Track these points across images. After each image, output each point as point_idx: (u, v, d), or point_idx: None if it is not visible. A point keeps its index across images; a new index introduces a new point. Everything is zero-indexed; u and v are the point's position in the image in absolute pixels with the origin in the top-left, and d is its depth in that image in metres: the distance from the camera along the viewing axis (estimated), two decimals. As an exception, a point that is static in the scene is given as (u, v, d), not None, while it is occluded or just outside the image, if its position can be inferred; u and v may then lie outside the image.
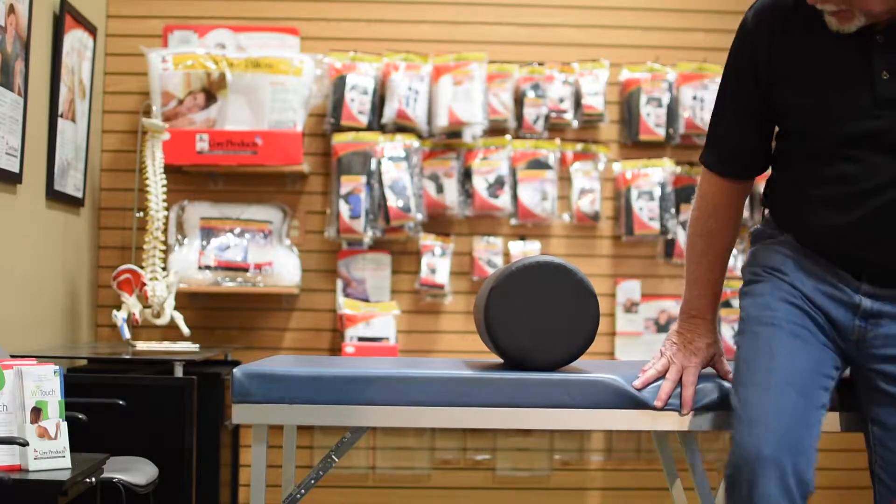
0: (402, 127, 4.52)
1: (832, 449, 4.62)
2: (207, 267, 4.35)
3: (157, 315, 3.93)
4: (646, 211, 4.56)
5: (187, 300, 4.46)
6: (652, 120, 4.60)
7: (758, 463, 2.11)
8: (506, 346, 2.50)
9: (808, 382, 2.21)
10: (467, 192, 4.56)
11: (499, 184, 4.51)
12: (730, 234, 2.44)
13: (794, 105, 2.29)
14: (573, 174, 4.61)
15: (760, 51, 2.31)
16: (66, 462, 2.64)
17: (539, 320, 2.47)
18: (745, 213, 4.57)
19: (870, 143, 2.20)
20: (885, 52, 2.18)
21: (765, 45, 2.30)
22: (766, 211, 2.47)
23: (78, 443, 2.73)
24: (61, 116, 3.95)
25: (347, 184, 4.45)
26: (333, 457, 2.43)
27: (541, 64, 4.61)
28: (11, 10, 3.39)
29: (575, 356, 2.52)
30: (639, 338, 4.60)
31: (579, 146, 4.63)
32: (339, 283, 4.56)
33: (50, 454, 2.61)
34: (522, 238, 4.62)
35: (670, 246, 4.64)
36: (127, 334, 3.90)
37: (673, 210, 4.60)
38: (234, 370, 2.39)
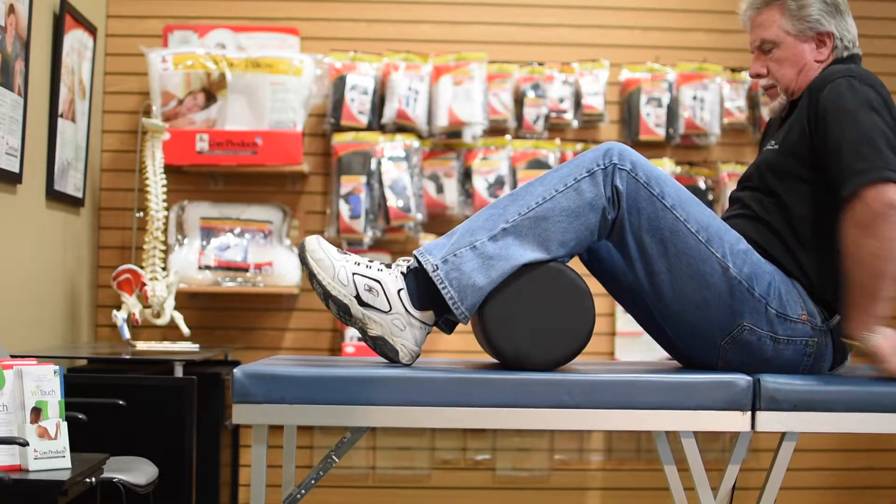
0: (402, 127, 4.52)
1: (832, 449, 4.62)
2: (207, 267, 4.35)
3: (157, 315, 3.93)
4: (646, 211, 4.55)
5: (187, 300, 4.46)
6: (652, 120, 4.60)
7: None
8: (502, 348, 2.50)
9: None
10: (467, 192, 4.55)
11: (499, 184, 4.51)
12: None
13: None
14: (573, 174, 4.60)
15: None
16: (66, 462, 2.64)
17: (534, 321, 2.47)
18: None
19: None
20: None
21: None
22: None
23: (78, 443, 2.73)
24: (61, 116, 3.95)
25: (347, 184, 4.44)
26: (333, 457, 2.43)
27: (541, 64, 4.61)
28: (11, 10, 3.39)
29: (571, 356, 2.52)
30: (639, 338, 4.59)
31: (579, 146, 4.62)
32: (339, 283, 4.55)
33: (50, 454, 2.61)
34: (522, 238, 4.61)
35: (670, 246, 4.63)
36: (127, 334, 3.89)
37: (673, 210, 4.59)
38: (235, 370, 2.39)
